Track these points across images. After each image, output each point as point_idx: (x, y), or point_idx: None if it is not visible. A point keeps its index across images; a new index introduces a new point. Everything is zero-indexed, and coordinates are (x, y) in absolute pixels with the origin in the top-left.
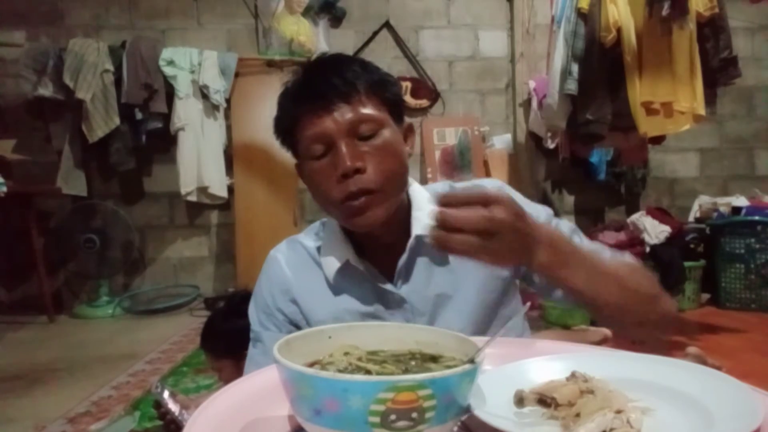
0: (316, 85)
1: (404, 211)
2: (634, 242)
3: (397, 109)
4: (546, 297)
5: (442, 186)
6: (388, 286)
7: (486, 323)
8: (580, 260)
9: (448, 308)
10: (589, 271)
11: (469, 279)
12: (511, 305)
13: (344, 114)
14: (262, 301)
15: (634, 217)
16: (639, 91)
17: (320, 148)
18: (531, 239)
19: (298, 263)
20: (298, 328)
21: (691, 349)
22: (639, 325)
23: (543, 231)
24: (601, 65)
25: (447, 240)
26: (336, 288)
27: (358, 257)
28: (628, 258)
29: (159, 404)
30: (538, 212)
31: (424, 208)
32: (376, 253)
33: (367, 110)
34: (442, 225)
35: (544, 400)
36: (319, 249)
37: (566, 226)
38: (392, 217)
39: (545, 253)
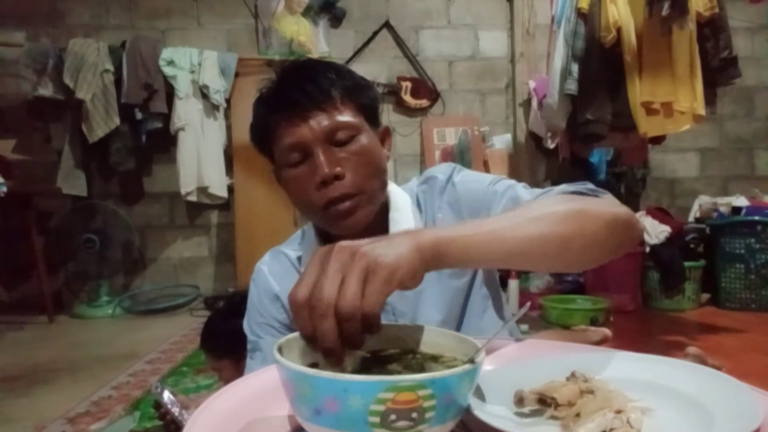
0: (291, 93)
1: (382, 212)
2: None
3: (372, 113)
4: None
5: (415, 184)
6: None
7: (463, 308)
8: (473, 223)
9: (425, 303)
10: (488, 223)
11: (439, 272)
12: (485, 287)
13: (320, 122)
14: (255, 313)
15: None
16: (639, 91)
17: (297, 156)
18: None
19: (281, 272)
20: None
21: (691, 349)
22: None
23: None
24: (601, 65)
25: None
26: None
27: None
28: (566, 204)
29: (159, 404)
30: (482, 179)
31: (401, 209)
32: None
33: (343, 117)
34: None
35: (544, 400)
36: (300, 258)
37: (502, 185)
38: (372, 220)
39: (418, 237)
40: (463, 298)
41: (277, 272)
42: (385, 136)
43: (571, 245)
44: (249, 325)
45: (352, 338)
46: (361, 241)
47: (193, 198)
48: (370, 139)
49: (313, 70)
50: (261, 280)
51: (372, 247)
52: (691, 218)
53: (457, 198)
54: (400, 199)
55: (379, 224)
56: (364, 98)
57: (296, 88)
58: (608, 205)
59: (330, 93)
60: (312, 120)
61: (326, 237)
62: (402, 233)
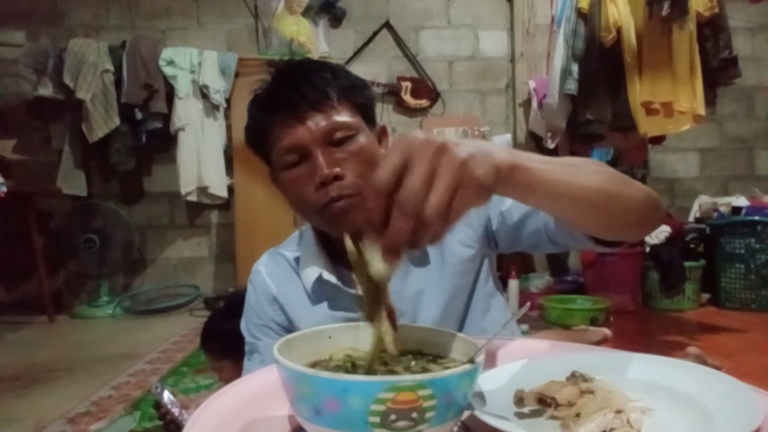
0: (287, 94)
1: None
2: (634, 242)
3: (369, 113)
4: (512, 246)
5: None
6: None
7: (465, 307)
8: (537, 157)
9: (427, 302)
10: (550, 162)
11: (441, 270)
12: (489, 285)
13: (318, 123)
14: (253, 315)
15: None
16: (639, 91)
17: (294, 158)
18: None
19: (279, 274)
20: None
21: (691, 349)
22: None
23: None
24: (601, 65)
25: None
26: (315, 298)
27: (335, 265)
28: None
29: (159, 404)
30: None
31: None
32: None
33: (341, 117)
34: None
35: (544, 400)
36: (298, 260)
37: None
38: None
39: (498, 154)
40: (466, 298)
41: (274, 273)
42: (382, 135)
43: (616, 204)
44: (246, 326)
45: (417, 243)
46: (453, 140)
47: (193, 198)
48: (367, 139)
49: (308, 70)
50: (258, 282)
51: (467, 157)
52: (691, 218)
53: None
54: None
55: None
56: (360, 98)
57: (292, 89)
58: (640, 183)
59: (326, 93)
60: (309, 121)
61: (325, 238)
62: (481, 144)
